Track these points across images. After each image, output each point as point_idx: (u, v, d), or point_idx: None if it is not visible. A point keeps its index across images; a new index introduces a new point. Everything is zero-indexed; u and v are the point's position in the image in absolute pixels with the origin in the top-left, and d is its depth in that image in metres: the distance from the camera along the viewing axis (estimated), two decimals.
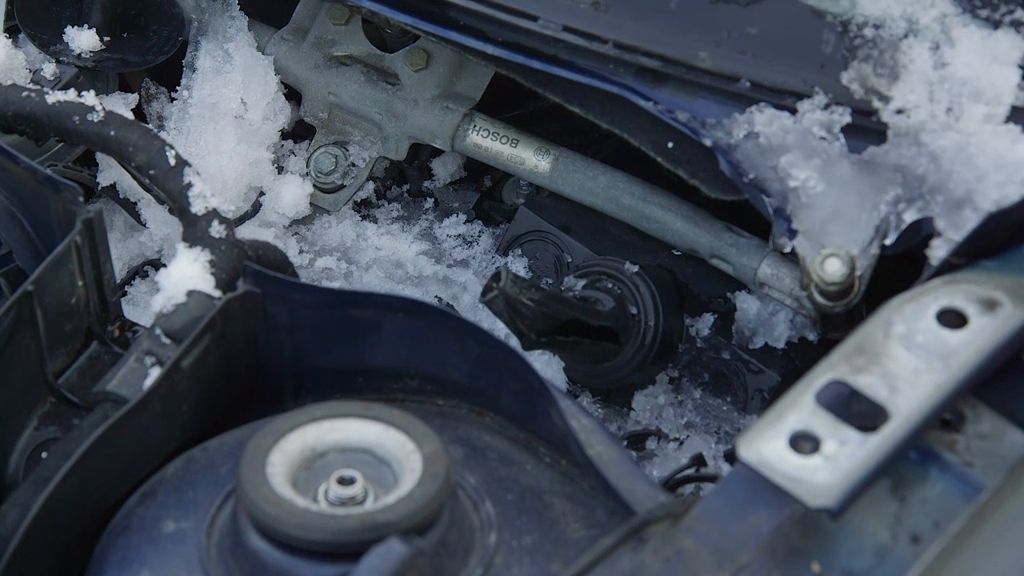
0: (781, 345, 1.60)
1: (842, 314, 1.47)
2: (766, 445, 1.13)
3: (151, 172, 1.48)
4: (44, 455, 1.30)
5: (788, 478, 1.11)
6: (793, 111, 1.46)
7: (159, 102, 1.82)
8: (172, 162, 1.47)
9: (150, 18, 1.80)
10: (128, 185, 1.75)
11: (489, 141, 1.72)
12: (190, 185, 1.45)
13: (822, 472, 1.11)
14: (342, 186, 1.78)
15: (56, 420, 1.36)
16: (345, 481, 1.17)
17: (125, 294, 1.71)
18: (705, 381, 1.62)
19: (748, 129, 1.46)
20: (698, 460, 1.51)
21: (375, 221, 1.79)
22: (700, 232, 1.61)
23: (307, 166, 1.79)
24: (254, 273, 1.34)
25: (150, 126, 1.59)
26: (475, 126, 1.73)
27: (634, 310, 1.58)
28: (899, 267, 1.45)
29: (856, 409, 1.15)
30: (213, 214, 1.42)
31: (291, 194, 1.76)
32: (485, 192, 1.83)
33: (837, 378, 1.16)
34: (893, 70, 1.40)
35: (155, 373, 1.28)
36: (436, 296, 1.72)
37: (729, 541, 1.13)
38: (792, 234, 1.45)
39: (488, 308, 1.48)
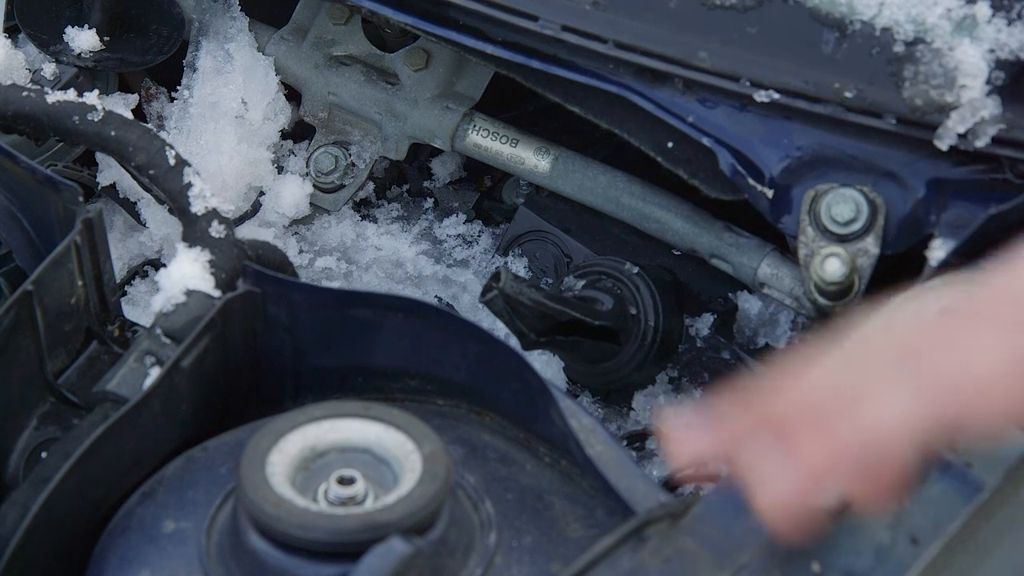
0: (782, 345, 1.60)
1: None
2: None
3: (151, 172, 1.48)
4: (44, 455, 1.30)
5: None
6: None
7: (159, 102, 1.82)
8: (172, 162, 1.47)
9: (150, 18, 1.80)
10: (128, 185, 1.75)
11: (489, 141, 1.72)
12: (190, 185, 1.45)
13: None
14: (342, 186, 1.78)
15: (56, 420, 1.36)
16: (345, 481, 1.17)
17: (125, 294, 1.71)
18: (705, 381, 1.62)
19: None
20: None
21: (375, 221, 1.79)
22: (700, 232, 1.61)
23: (307, 166, 1.79)
24: (254, 273, 1.34)
25: (150, 126, 1.59)
26: (475, 126, 1.73)
27: (634, 310, 1.58)
28: (899, 267, 1.45)
29: None
30: (213, 214, 1.43)
31: (291, 194, 1.76)
32: (485, 192, 1.83)
33: None
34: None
35: (155, 373, 1.28)
36: (436, 296, 1.72)
37: (729, 541, 1.13)
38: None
39: (488, 308, 1.48)
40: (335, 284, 1.71)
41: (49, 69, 1.74)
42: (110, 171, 1.75)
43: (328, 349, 1.36)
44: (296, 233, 1.77)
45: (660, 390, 1.62)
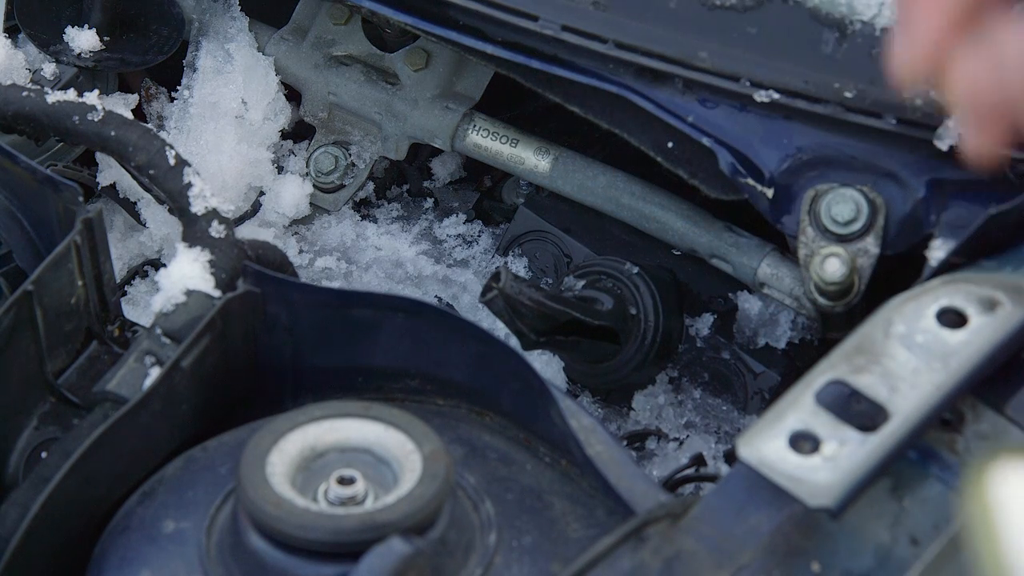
0: (782, 345, 1.60)
1: (842, 314, 1.47)
2: (766, 445, 1.13)
3: (151, 172, 1.48)
4: (44, 455, 1.30)
5: (788, 478, 1.11)
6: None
7: (159, 102, 1.82)
8: (172, 162, 1.47)
9: (150, 18, 1.80)
10: (128, 185, 1.75)
11: (489, 141, 1.72)
12: (190, 185, 1.45)
13: (822, 472, 1.11)
14: (342, 186, 1.78)
15: (56, 420, 1.36)
16: (345, 481, 1.17)
17: (125, 294, 1.71)
18: (705, 381, 1.62)
19: None
20: (698, 460, 1.51)
21: (375, 221, 1.79)
22: (700, 232, 1.61)
23: (307, 166, 1.79)
24: (254, 273, 1.34)
25: (150, 126, 1.59)
26: (475, 126, 1.73)
27: (634, 310, 1.59)
28: (899, 267, 1.45)
29: (856, 409, 1.15)
30: (213, 214, 1.43)
31: (291, 194, 1.76)
32: (485, 192, 1.83)
33: (837, 378, 1.16)
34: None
35: (155, 373, 1.28)
36: (436, 296, 1.72)
37: (729, 541, 1.13)
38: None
39: (488, 308, 1.48)
40: (335, 284, 1.71)
41: (49, 69, 1.74)
42: (110, 171, 1.75)
43: (328, 349, 1.36)
44: (296, 233, 1.77)
45: (660, 390, 1.62)
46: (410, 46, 1.77)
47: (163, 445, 1.30)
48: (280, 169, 1.79)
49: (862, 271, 1.45)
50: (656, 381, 1.62)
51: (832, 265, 1.43)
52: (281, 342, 1.36)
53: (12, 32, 1.78)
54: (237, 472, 1.16)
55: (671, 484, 1.48)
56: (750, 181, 1.48)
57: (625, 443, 1.58)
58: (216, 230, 1.41)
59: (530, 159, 1.70)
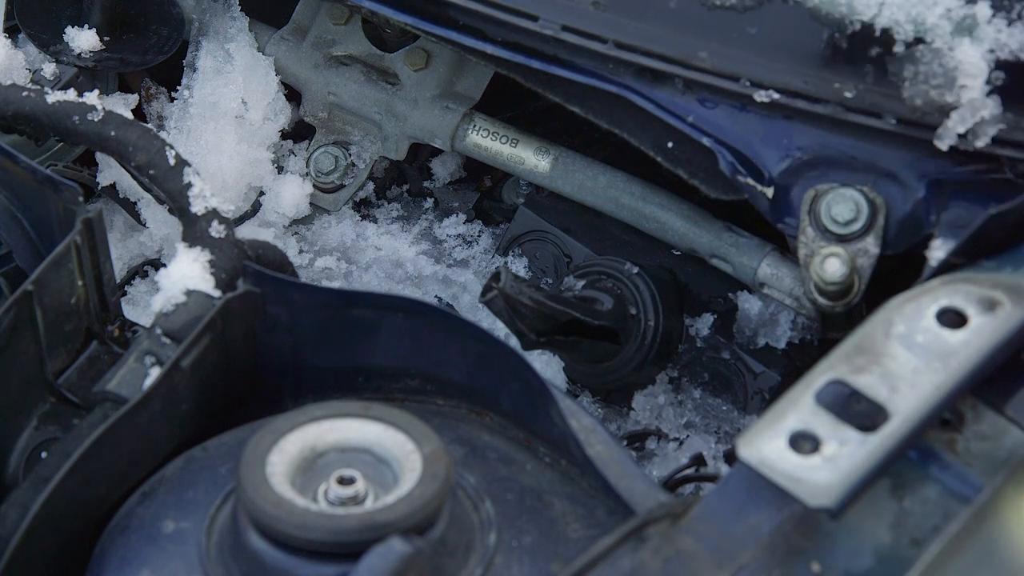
0: (782, 345, 1.60)
1: (842, 314, 1.47)
2: (766, 445, 1.13)
3: (151, 172, 1.48)
4: (44, 455, 1.30)
5: (788, 478, 1.11)
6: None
7: (159, 102, 1.82)
8: (172, 162, 1.47)
9: (150, 18, 1.80)
10: (128, 185, 1.75)
11: (489, 141, 1.72)
12: (190, 185, 1.45)
13: (822, 472, 1.11)
14: (342, 186, 1.79)
15: (56, 420, 1.36)
16: (345, 481, 1.17)
17: (125, 294, 1.71)
18: (705, 381, 1.62)
19: None
20: (698, 460, 1.51)
21: (375, 221, 1.79)
22: (700, 232, 1.61)
23: (307, 166, 1.79)
24: (254, 273, 1.34)
25: (150, 126, 1.59)
26: (475, 126, 1.73)
27: (633, 310, 1.59)
28: (899, 267, 1.45)
29: (856, 409, 1.15)
30: (213, 214, 1.43)
31: (291, 194, 1.76)
32: (485, 192, 1.83)
33: (837, 378, 1.16)
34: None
35: (155, 373, 1.28)
36: (436, 296, 1.72)
37: (729, 541, 1.13)
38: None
39: (488, 308, 1.48)
40: (335, 284, 1.71)
41: (49, 69, 1.74)
42: (110, 171, 1.75)
43: (328, 349, 1.36)
44: (296, 233, 1.77)
45: (660, 390, 1.62)
46: (410, 46, 1.77)
47: (163, 445, 1.30)
48: (280, 169, 1.79)
49: (862, 271, 1.45)
50: (656, 381, 1.62)
51: (832, 265, 1.43)
52: (281, 342, 1.36)
53: (12, 32, 1.78)
54: (237, 472, 1.16)
55: (671, 484, 1.49)
56: (750, 181, 1.48)
57: (625, 443, 1.58)
58: (216, 230, 1.41)
59: (530, 159, 1.70)
